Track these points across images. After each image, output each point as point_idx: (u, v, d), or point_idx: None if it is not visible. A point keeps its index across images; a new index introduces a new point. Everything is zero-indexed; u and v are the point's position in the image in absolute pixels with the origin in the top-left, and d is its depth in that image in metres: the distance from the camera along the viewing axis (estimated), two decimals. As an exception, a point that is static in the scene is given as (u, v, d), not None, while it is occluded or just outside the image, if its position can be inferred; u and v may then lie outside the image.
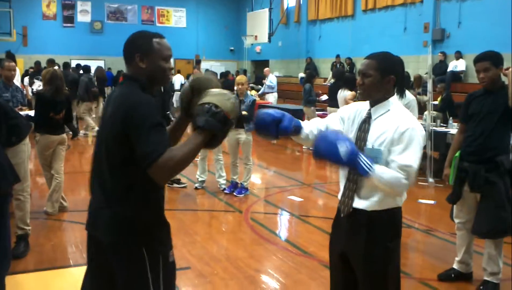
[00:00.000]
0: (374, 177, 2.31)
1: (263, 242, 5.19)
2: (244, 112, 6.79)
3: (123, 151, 2.05)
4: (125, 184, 2.11)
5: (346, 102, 8.68)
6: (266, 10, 21.04)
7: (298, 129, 2.60)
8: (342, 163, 2.30)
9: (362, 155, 2.30)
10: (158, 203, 2.23)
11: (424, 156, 8.36)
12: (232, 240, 5.32)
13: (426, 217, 6.45)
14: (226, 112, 2.05)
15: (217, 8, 25.17)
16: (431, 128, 7.98)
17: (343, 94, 9.04)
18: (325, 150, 2.30)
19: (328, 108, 10.60)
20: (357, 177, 2.47)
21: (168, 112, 7.06)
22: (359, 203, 2.50)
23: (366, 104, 2.58)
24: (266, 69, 16.41)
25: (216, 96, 2.09)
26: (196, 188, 7.32)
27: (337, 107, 8.69)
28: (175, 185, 7.32)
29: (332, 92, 10.25)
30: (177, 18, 24.83)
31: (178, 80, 21.34)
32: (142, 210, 2.13)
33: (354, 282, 2.59)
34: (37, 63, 14.52)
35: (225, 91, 2.15)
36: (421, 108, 10.13)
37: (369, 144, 2.44)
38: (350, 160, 2.27)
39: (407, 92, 4.86)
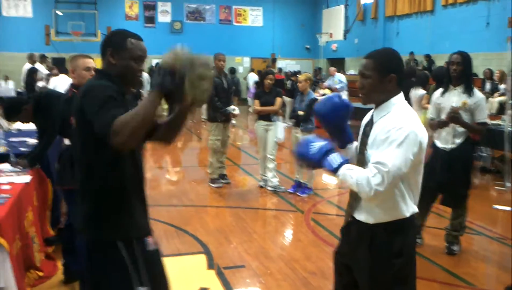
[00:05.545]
0: (340, 175, 2.23)
1: (321, 243, 5.11)
2: (300, 112, 6.71)
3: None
4: None
5: (419, 102, 8.37)
6: (342, 6, 20.78)
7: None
8: (311, 161, 2.33)
9: (335, 154, 2.27)
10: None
11: (502, 159, 7.93)
12: (290, 241, 5.29)
13: (501, 224, 6.08)
14: (171, 65, 1.94)
15: (293, 6, 25.08)
16: (509, 129, 7.50)
17: (415, 92, 8.70)
18: (299, 151, 2.39)
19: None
20: None
21: (230, 108, 7.13)
22: (360, 215, 2.36)
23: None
24: (331, 68, 16.15)
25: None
26: (260, 186, 7.35)
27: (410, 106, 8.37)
28: (222, 181, 7.38)
29: (403, 90, 9.88)
30: (253, 17, 25.01)
31: (252, 78, 21.60)
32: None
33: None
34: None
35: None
36: (502, 108, 9.58)
37: (369, 148, 2.29)
38: (316, 157, 2.29)
39: (475, 90, 4.60)
